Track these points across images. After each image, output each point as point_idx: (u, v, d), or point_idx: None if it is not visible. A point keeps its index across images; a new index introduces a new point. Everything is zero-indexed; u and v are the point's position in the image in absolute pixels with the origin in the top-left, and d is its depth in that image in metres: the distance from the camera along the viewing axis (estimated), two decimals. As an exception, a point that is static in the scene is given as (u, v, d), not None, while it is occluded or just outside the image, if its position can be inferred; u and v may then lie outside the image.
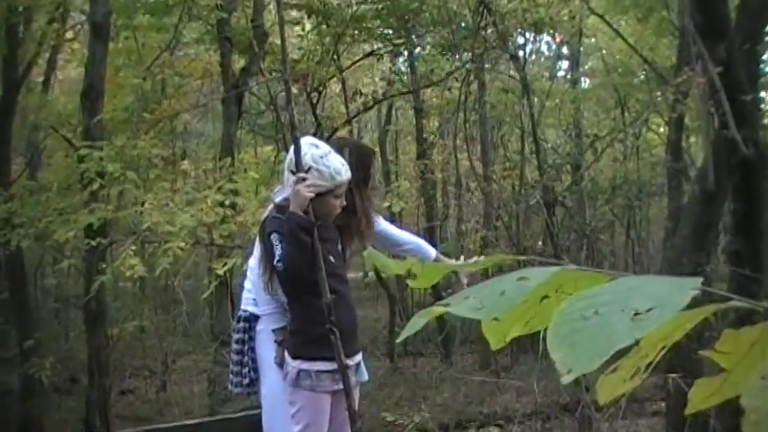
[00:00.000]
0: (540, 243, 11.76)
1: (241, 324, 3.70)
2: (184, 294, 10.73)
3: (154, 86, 11.53)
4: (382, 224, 4.05)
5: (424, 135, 13.66)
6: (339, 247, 3.47)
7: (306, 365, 3.31)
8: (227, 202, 7.41)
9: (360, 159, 3.67)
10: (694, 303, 0.81)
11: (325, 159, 3.32)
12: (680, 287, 0.81)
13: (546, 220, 8.02)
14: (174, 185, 8.60)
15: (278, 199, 3.47)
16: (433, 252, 4.07)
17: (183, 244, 7.13)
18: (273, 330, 3.54)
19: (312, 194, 3.18)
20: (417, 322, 0.92)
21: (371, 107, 12.27)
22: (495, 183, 11.38)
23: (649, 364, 0.98)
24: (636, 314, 0.77)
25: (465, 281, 3.92)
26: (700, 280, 0.83)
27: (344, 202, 3.40)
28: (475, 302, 0.87)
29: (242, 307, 3.76)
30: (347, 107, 12.02)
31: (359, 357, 3.42)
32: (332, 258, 3.31)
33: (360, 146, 4.23)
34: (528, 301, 0.97)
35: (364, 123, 16.97)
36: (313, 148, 3.35)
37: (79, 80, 10.83)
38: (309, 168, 3.24)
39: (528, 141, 11.10)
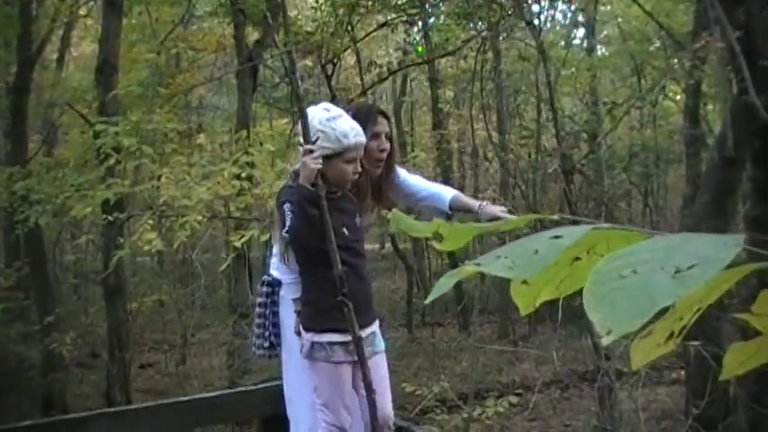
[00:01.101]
0: (557, 211, 11.70)
1: (264, 288, 3.69)
2: (202, 268, 10.76)
3: (168, 61, 11.51)
4: (402, 175, 4.00)
5: (440, 105, 13.59)
6: (357, 219, 3.41)
7: (317, 338, 3.28)
8: (243, 175, 7.40)
9: (357, 114, 3.60)
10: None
11: (332, 122, 3.27)
12: (722, 244, 0.77)
13: (564, 189, 7.94)
14: (190, 159, 8.58)
15: (295, 167, 3.44)
16: (448, 196, 3.98)
17: (199, 217, 7.13)
18: (293, 300, 3.53)
19: (319, 165, 3.14)
20: (445, 283, 0.88)
21: (386, 78, 12.18)
22: (512, 152, 11.31)
23: (683, 327, 0.95)
24: (677, 272, 0.73)
25: (497, 210, 3.83)
26: (742, 237, 0.79)
27: (359, 169, 3.33)
28: (507, 262, 0.83)
29: (269, 271, 3.76)
30: (362, 78, 11.93)
31: (371, 329, 3.39)
32: (345, 231, 3.26)
33: (358, 106, 4.14)
34: (559, 262, 0.93)
35: (379, 95, 16.88)
36: (323, 112, 3.31)
37: (93, 56, 10.84)
38: (317, 139, 3.20)
39: (545, 109, 11.01)
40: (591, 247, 0.93)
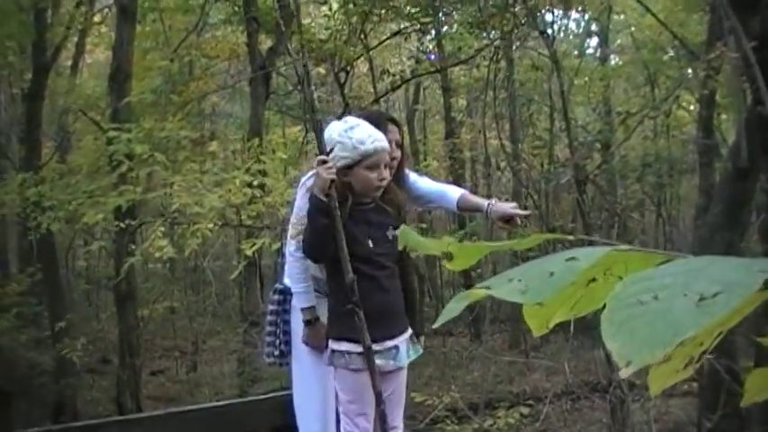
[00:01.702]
0: (570, 222, 11.65)
1: (276, 296, 3.69)
2: (214, 275, 10.77)
3: (181, 68, 11.51)
4: (411, 178, 3.98)
5: (453, 114, 13.57)
6: (388, 232, 3.37)
7: (336, 345, 3.28)
8: (255, 183, 7.39)
9: (368, 121, 3.58)
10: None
11: (349, 132, 3.28)
12: (748, 268, 0.73)
13: (577, 199, 7.89)
14: (202, 167, 8.59)
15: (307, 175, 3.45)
16: (455, 195, 3.93)
17: (211, 225, 7.12)
18: (301, 310, 3.50)
19: (332, 176, 3.12)
20: (455, 307, 0.84)
21: (399, 86, 12.14)
22: (525, 161, 11.26)
23: (704, 351, 0.91)
24: (701, 299, 0.69)
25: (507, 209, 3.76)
26: (768, 261, 0.74)
27: (384, 175, 3.31)
28: (520, 285, 0.79)
29: (281, 280, 3.74)
30: (375, 87, 11.92)
31: (395, 342, 3.35)
32: (370, 242, 3.25)
33: (367, 114, 4.11)
34: (576, 283, 0.89)
35: (392, 103, 16.85)
36: (341, 124, 3.32)
37: (107, 63, 10.86)
38: (332, 150, 3.20)
39: (558, 119, 10.96)
40: (608, 269, 0.89)
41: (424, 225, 11.43)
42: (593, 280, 0.90)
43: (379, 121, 3.64)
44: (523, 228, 8.40)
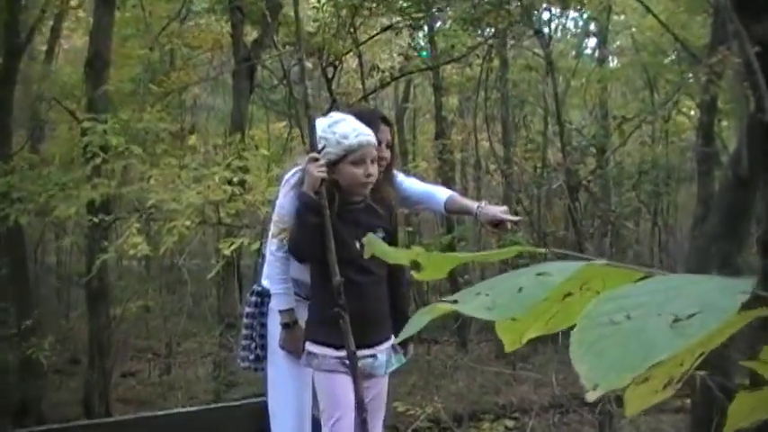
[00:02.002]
0: (562, 228, 11.66)
1: (253, 298, 3.69)
2: (190, 274, 10.71)
3: (162, 57, 11.48)
4: (398, 178, 3.97)
5: (443, 114, 13.56)
6: (378, 234, 3.35)
7: (312, 347, 3.29)
8: (235, 180, 7.37)
9: (358, 119, 3.57)
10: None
11: (333, 127, 3.30)
12: (727, 289, 0.72)
13: (569, 205, 7.90)
14: (181, 161, 8.53)
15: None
16: (443, 197, 3.93)
17: (188, 222, 7.09)
18: (279, 312, 3.50)
19: (323, 174, 3.14)
20: (419, 321, 0.83)
21: (389, 83, 12.12)
22: (516, 165, 11.27)
23: (685, 372, 0.89)
24: (676, 320, 0.67)
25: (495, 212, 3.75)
26: (750, 282, 0.73)
27: (370, 171, 3.31)
28: (486, 300, 0.78)
29: (260, 281, 3.73)
30: (363, 83, 11.89)
31: (370, 351, 3.35)
32: (358, 245, 3.25)
33: (360, 110, 4.10)
34: (549, 298, 0.88)
35: (381, 100, 16.82)
36: (326, 120, 3.33)
37: (84, 50, 10.77)
38: (323, 147, 3.21)
39: (551, 122, 10.97)
40: (584, 283, 0.88)
41: (410, 228, 11.39)
42: (569, 294, 0.89)
43: (371, 120, 3.64)
44: (513, 233, 8.40)
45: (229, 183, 7.31)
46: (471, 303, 0.78)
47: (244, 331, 3.78)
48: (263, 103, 14.65)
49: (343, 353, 3.08)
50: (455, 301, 0.81)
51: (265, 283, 3.62)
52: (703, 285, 0.74)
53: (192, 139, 9.71)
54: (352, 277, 3.16)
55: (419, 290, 13.24)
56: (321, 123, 3.34)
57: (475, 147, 13.07)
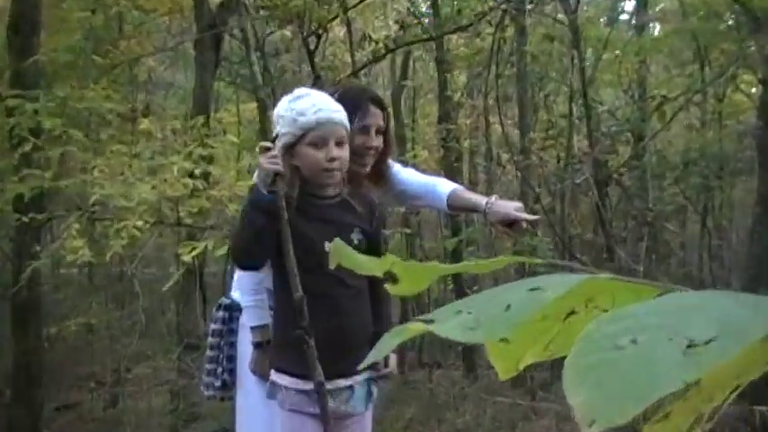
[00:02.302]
0: (590, 232, 11.67)
1: (221, 313, 3.69)
2: (143, 285, 10.70)
3: (107, 22, 11.41)
4: (393, 169, 3.96)
5: (449, 93, 13.56)
6: (355, 236, 3.33)
7: (275, 377, 3.26)
8: (198, 172, 7.38)
9: (343, 98, 3.56)
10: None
11: (292, 103, 3.26)
12: (756, 308, 0.72)
13: (597, 203, 7.89)
14: (132, 149, 8.53)
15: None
16: (446, 191, 3.89)
17: (141, 223, 7.10)
18: (251, 328, 3.49)
19: (275, 167, 3.09)
20: (388, 344, 0.83)
21: (383, 57, 12.11)
22: (535, 154, 11.26)
23: (716, 408, 0.89)
24: (690, 345, 0.68)
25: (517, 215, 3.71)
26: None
27: (334, 155, 3.25)
28: (468, 319, 0.78)
29: (229, 293, 3.74)
30: (353, 56, 11.90)
31: (347, 382, 3.32)
32: (327, 248, 3.22)
33: (347, 89, 4.05)
34: (548, 317, 0.88)
35: (374, 77, 16.84)
36: (287, 97, 3.30)
37: (6, 10, 10.65)
38: (276, 136, 3.18)
39: (578, 103, 10.97)
40: (589, 300, 0.88)
41: (408, 230, 11.40)
42: (573, 313, 0.90)
43: (359, 101, 3.62)
44: (531, 237, 8.40)
45: (191, 175, 7.33)
46: (450, 323, 0.78)
47: (208, 353, 3.78)
48: (233, 79, 14.66)
49: (311, 385, 3.02)
50: (431, 321, 0.81)
51: (235, 295, 3.63)
52: (728, 303, 0.74)
53: (146, 123, 9.71)
54: (323, 289, 3.14)
55: (419, 302, 13.26)
56: (282, 102, 3.34)
57: (486, 133, 13.07)
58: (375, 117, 3.67)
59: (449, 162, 12.70)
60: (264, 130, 7.76)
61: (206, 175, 7.53)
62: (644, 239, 9.63)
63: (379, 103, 3.78)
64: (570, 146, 11.17)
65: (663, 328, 0.71)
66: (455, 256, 11.52)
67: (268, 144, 3.17)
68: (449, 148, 12.66)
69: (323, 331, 2.99)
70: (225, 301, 3.71)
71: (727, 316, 0.71)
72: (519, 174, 11.00)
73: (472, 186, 13.95)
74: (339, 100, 3.46)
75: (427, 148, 13.89)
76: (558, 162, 11.97)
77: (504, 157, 13.16)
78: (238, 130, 13.83)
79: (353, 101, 3.55)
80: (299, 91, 3.38)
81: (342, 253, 0.93)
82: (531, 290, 0.79)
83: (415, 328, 0.81)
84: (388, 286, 0.93)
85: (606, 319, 0.74)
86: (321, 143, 3.23)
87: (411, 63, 15.76)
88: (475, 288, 11.19)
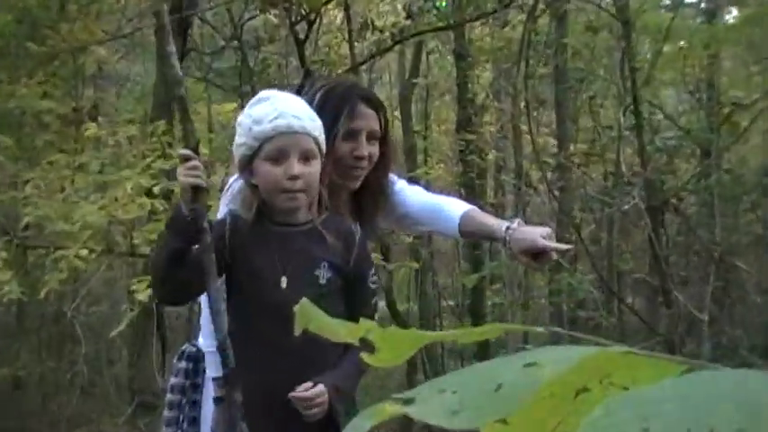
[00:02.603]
0: (644, 268, 11.66)
1: (183, 364, 3.66)
2: (87, 329, 10.72)
3: (46, 2, 11.46)
4: (396, 186, 3.93)
5: (470, 95, 13.59)
6: (321, 271, 3.29)
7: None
8: (157, 190, 7.40)
9: (327, 97, 3.56)
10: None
11: (252, 108, 3.25)
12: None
13: (650, 235, 7.88)
14: (75, 159, 8.57)
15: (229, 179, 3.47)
16: (458, 213, 3.78)
17: (85, 251, 7.12)
18: (213, 380, 3.50)
19: (193, 180, 3.05)
20: (359, 426, 0.85)
21: (389, 49, 12.14)
22: (575, 172, 11.26)
23: None
24: (711, 439, 0.70)
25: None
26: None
27: (294, 172, 3.18)
28: (452, 401, 0.80)
29: (194, 339, 3.75)
30: (352, 47, 11.93)
31: None
32: (284, 283, 3.21)
33: (332, 83, 3.96)
34: (555, 395, 0.90)
35: (379, 74, 16.87)
36: (252, 100, 3.29)
37: None
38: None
39: (629, 108, 10.99)
40: (605, 376, 0.90)
41: (416, 264, 11.33)
42: (585, 390, 0.92)
43: (345, 98, 3.61)
44: (571, 273, 8.38)
45: (148, 193, 7.34)
46: (430, 404, 0.80)
47: (167, 413, 3.76)
48: (204, 74, 14.67)
49: None
50: (411, 400, 0.83)
51: (202, 341, 3.63)
52: (762, 385, 0.76)
53: (93, 127, 9.74)
54: (272, 334, 3.13)
55: (430, 353, 13.25)
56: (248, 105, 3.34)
57: (515, 143, 13.07)
58: (366, 119, 3.61)
59: (469, 179, 12.71)
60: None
61: (168, 194, 7.54)
62: (709, 280, 9.58)
63: (372, 103, 3.73)
64: (619, 162, 11.17)
65: (683, 419, 0.72)
66: (476, 295, 11.53)
67: (187, 152, 3.12)
68: (469, 161, 12.68)
69: (266, 384, 3.00)
70: (189, 348, 3.68)
71: (758, 402, 0.73)
72: (553, 195, 10.95)
73: (496, 211, 13.93)
74: (323, 98, 3.46)
75: (443, 161, 13.90)
76: (606, 181, 11.96)
77: (536, 175, 13.13)
78: (209, 138, 13.86)
79: (339, 100, 3.53)
80: (263, 93, 3.35)
81: (309, 315, 0.95)
82: (527, 365, 0.81)
83: (390, 409, 0.83)
84: (364, 356, 0.94)
85: (615, 404, 0.76)
86: (280, 157, 3.19)
87: (424, 57, 15.77)
88: (503, 352, 11.16)
